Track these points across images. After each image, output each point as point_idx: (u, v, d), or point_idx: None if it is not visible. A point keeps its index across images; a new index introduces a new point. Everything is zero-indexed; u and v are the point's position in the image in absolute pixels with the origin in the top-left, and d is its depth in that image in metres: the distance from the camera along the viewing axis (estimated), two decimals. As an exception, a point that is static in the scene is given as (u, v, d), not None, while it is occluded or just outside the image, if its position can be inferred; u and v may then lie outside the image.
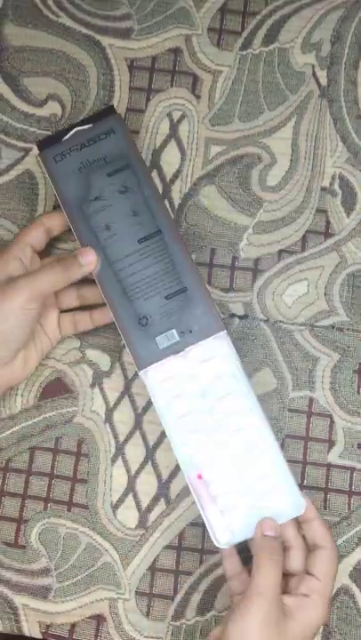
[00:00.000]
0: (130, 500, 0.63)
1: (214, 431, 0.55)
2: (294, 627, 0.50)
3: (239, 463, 0.54)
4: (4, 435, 0.63)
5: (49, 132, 0.67)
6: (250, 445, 0.55)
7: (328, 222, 0.66)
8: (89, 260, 0.57)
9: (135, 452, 0.63)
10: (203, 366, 0.56)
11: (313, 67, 0.68)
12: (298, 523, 0.55)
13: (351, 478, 0.62)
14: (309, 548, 0.54)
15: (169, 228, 0.58)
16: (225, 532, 0.54)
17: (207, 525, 0.54)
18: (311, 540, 0.54)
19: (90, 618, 0.61)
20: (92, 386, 0.64)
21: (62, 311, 0.63)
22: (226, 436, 0.55)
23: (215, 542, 0.54)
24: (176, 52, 0.69)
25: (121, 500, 0.62)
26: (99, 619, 0.61)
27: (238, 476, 0.54)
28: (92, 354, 0.64)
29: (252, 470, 0.54)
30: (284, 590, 0.53)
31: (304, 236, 0.66)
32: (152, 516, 0.62)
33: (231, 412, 0.55)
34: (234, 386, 0.56)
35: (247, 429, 0.55)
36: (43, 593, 0.61)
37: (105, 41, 0.69)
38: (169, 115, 0.68)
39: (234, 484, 0.54)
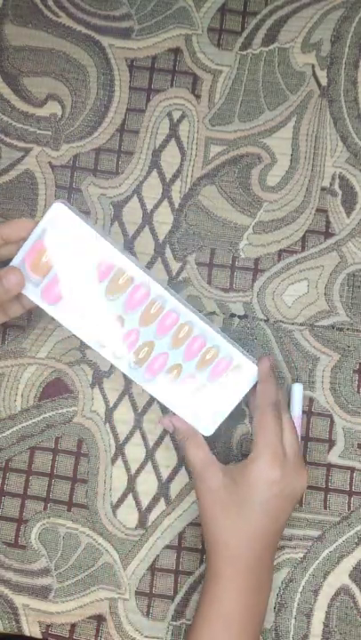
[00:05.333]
0: (130, 500, 0.62)
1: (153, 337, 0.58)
2: (242, 488, 0.55)
3: (188, 358, 0.59)
4: (3, 435, 0.63)
5: (49, 132, 0.67)
6: (189, 338, 0.58)
7: (328, 222, 0.66)
8: (13, 283, 0.55)
9: (135, 451, 0.63)
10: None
11: (313, 66, 0.68)
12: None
13: (351, 478, 0.62)
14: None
15: None
16: (208, 423, 0.59)
17: (191, 424, 0.59)
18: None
19: (90, 618, 0.61)
20: (92, 386, 0.64)
21: None
22: (163, 335, 0.58)
23: (204, 433, 0.59)
24: (176, 51, 0.69)
25: (121, 500, 0.62)
26: (99, 619, 0.61)
27: (194, 370, 0.59)
28: (92, 354, 0.64)
29: (203, 359, 0.59)
30: None
31: (304, 235, 0.66)
32: (152, 516, 0.62)
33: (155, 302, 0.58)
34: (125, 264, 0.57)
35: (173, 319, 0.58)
36: (43, 593, 0.61)
37: (105, 41, 0.69)
38: (169, 115, 0.68)
39: (194, 378, 0.59)
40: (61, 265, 0.56)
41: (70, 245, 0.56)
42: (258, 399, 0.57)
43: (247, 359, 0.59)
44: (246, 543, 0.54)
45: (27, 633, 0.61)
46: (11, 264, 0.56)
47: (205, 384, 0.59)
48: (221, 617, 0.53)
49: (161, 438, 0.63)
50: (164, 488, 0.63)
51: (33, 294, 0.57)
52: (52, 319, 0.64)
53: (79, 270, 0.56)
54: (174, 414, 0.59)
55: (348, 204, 0.66)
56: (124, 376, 0.64)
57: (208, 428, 0.59)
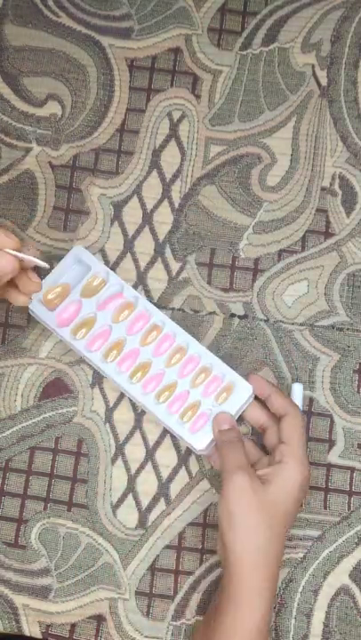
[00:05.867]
0: (130, 500, 0.62)
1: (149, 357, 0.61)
2: (273, 490, 0.54)
3: (183, 377, 0.61)
4: (3, 435, 0.63)
5: (49, 132, 0.67)
6: (182, 357, 0.61)
7: (328, 222, 0.66)
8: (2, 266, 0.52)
9: (135, 451, 0.63)
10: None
11: (313, 67, 0.68)
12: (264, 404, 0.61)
13: (351, 478, 0.62)
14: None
15: None
16: (199, 439, 0.59)
17: (184, 440, 0.60)
18: (276, 412, 0.59)
19: (90, 618, 0.61)
20: (92, 386, 0.64)
21: None
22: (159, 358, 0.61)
23: (195, 450, 0.59)
24: (176, 51, 0.69)
25: (121, 500, 0.62)
26: (99, 619, 0.61)
27: (189, 389, 0.61)
28: (92, 354, 0.64)
29: (197, 378, 0.61)
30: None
31: (304, 235, 0.66)
32: (152, 516, 0.62)
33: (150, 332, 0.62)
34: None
35: (169, 343, 0.61)
36: (43, 593, 0.61)
37: (105, 41, 0.69)
38: (169, 115, 0.68)
39: (189, 396, 0.60)
40: (75, 296, 0.62)
41: (84, 280, 0.62)
42: (284, 400, 0.59)
43: (241, 378, 0.61)
44: (276, 547, 0.54)
45: (27, 633, 0.61)
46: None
47: (200, 400, 0.60)
48: (256, 629, 0.52)
49: (161, 438, 0.63)
50: (164, 488, 0.63)
51: (48, 318, 0.62)
52: (52, 319, 0.65)
53: (90, 300, 0.62)
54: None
55: (348, 204, 0.66)
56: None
57: (201, 442, 0.59)
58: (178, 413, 0.60)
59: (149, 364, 0.61)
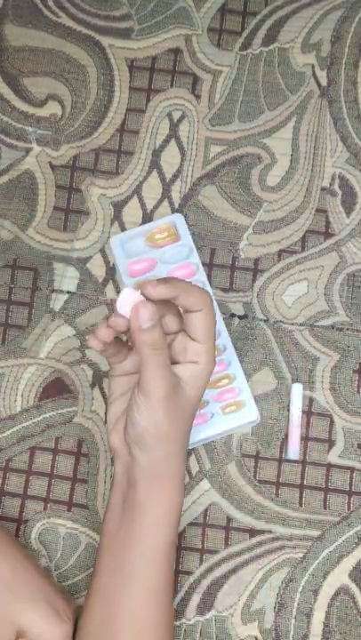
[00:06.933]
0: (130, 499, 0.62)
1: None
2: (189, 395, 0.52)
3: None
4: (4, 435, 0.63)
5: (49, 133, 0.67)
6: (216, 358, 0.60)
7: (328, 222, 0.66)
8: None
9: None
10: None
11: (313, 67, 0.68)
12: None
13: (351, 478, 0.62)
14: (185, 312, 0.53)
15: None
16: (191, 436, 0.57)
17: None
18: (188, 309, 0.52)
19: (90, 618, 0.61)
20: (92, 386, 0.64)
21: None
22: None
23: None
24: (176, 52, 0.69)
25: (121, 500, 0.62)
26: (99, 619, 0.61)
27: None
28: (92, 354, 0.64)
29: (218, 381, 0.62)
30: (172, 360, 0.53)
31: (304, 236, 0.66)
32: (152, 516, 0.62)
33: None
34: None
35: None
36: (43, 593, 0.61)
37: (105, 41, 0.69)
38: (169, 115, 0.68)
39: None
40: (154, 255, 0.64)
41: None
42: (190, 296, 0.51)
43: (254, 403, 0.61)
44: (184, 438, 0.53)
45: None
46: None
47: (208, 401, 0.61)
48: (165, 519, 0.53)
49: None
50: (164, 488, 0.63)
51: (120, 262, 0.63)
52: (52, 320, 0.65)
53: (164, 266, 0.64)
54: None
55: (348, 205, 0.66)
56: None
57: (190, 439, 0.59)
58: None
59: None
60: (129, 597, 0.52)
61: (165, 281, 0.50)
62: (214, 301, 0.63)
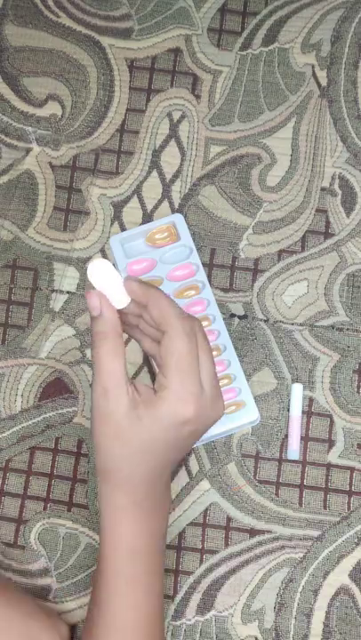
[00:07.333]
0: (130, 500, 0.62)
1: None
2: (147, 428, 0.44)
3: None
4: (3, 435, 0.63)
5: (49, 133, 0.67)
6: (216, 356, 0.62)
7: (328, 222, 0.66)
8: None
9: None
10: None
11: (313, 67, 0.68)
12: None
13: (351, 478, 0.62)
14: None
15: None
16: None
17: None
18: (155, 327, 0.45)
19: (90, 618, 0.61)
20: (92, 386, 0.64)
21: None
22: None
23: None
24: (176, 52, 0.69)
25: (121, 500, 0.62)
26: (99, 619, 0.61)
27: None
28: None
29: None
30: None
31: (304, 236, 0.66)
32: (152, 516, 0.62)
33: None
34: None
35: None
36: (42, 593, 0.61)
37: (105, 41, 0.69)
38: (169, 115, 0.68)
39: None
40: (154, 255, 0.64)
41: None
42: (164, 312, 0.44)
43: (254, 403, 0.62)
44: (144, 473, 0.45)
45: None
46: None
47: None
48: (125, 548, 0.47)
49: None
50: (164, 488, 0.63)
51: (120, 261, 0.64)
52: (52, 319, 0.65)
53: (164, 266, 0.64)
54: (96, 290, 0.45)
55: (348, 205, 0.66)
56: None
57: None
58: None
59: None
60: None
61: (141, 283, 0.45)
62: (214, 306, 0.63)
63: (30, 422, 0.63)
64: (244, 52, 0.69)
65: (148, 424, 0.44)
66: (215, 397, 0.46)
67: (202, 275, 0.64)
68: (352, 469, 0.63)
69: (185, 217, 0.66)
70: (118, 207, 0.67)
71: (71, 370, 0.64)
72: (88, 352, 0.64)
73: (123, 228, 0.66)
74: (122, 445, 0.44)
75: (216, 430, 0.61)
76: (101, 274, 0.44)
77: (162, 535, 0.49)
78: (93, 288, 0.45)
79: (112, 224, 0.66)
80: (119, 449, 0.44)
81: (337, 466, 0.63)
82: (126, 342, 0.62)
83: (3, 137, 0.68)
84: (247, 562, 0.61)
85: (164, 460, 0.46)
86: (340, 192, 0.66)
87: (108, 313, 0.44)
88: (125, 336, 0.47)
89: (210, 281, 0.65)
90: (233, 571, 0.61)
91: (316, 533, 0.61)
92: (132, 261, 0.63)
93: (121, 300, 0.45)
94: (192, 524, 0.62)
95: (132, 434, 0.44)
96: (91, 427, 0.47)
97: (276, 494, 0.62)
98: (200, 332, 0.46)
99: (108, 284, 0.44)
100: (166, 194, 0.67)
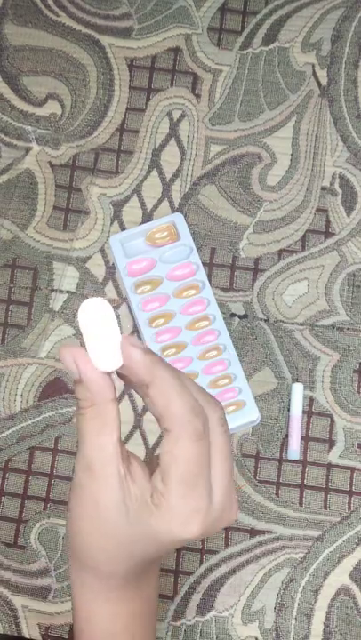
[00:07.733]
0: (130, 500, 0.62)
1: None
2: (137, 537, 0.36)
3: (207, 374, 0.63)
4: (3, 435, 0.63)
5: (49, 132, 0.67)
6: (216, 356, 0.63)
7: (328, 222, 0.66)
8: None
9: (135, 451, 0.63)
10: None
11: (313, 66, 0.68)
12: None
13: (351, 478, 0.62)
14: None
15: None
16: None
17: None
18: (157, 419, 0.37)
19: (90, 618, 0.61)
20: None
21: None
22: None
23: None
24: (176, 51, 0.69)
25: (121, 500, 0.62)
26: (98, 619, 0.61)
27: (207, 387, 0.62)
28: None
29: (218, 381, 0.62)
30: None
31: (304, 235, 0.66)
32: (152, 516, 0.62)
33: None
34: None
35: None
36: (42, 593, 0.61)
37: (105, 40, 0.69)
38: (169, 114, 0.68)
39: None
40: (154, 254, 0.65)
41: None
42: (171, 403, 0.35)
43: (254, 403, 0.62)
44: (127, 569, 0.38)
45: (26, 635, 0.61)
46: None
47: None
48: (100, 633, 0.40)
49: (161, 438, 0.63)
50: (163, 488, 0.62)
51: (120, 261, 0.63)
52: (52, 319, 0.65)
53: (164, 265, 0.64)
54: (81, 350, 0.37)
55: (349, 204, 0.66)
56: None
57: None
58: None
59: (184, 347, 0.62)
60: None
61: (147, 353, 0.35)
62: (214, 306, 0.63)
63: (30, 422, 0.63)
64: (244, 52, 0.69)
65: (139, 531, 0.36)
66: (227, 507, 0.37)
67: (202, 274, 0.64)
68: (353, 469, 0.62)
69: (185, 216, 0.66)
70: (118, 206, 0.66)
71: (71, 369, 0.64)
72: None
73: (122, 228, 0.66)
74: (105, 537, 0.36)
75: None
76: (94, 319, 0.35)
77: (147, 614, 0.41)
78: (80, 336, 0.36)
79: (112, 223, 0.66)
80: (102, 540, 0.37)
81: (337, 466, 0.63)
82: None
83: (2, 136, 0.68)
84: (247, 562, 0.61)
85: (155, 558, 0.39)
86: (340, 191, 0.66)
87: (92, 375, 0.35)
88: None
89: (210, 280, 0.65)
90: (233, 571, 0.61)
91: (316, 533, 0.61)
92: (132, 261, 0.63)
93: (109, 361, 0.35)
94: (192, 524, 0.62)
95: (118, 530, 0.36)
96: (68, 502, 0.38)
97: (277, 494, 0.62)
98: (218, 426, 0.37)
99: (101, 334, 0.35)
100: (166, 193, 0.67)
